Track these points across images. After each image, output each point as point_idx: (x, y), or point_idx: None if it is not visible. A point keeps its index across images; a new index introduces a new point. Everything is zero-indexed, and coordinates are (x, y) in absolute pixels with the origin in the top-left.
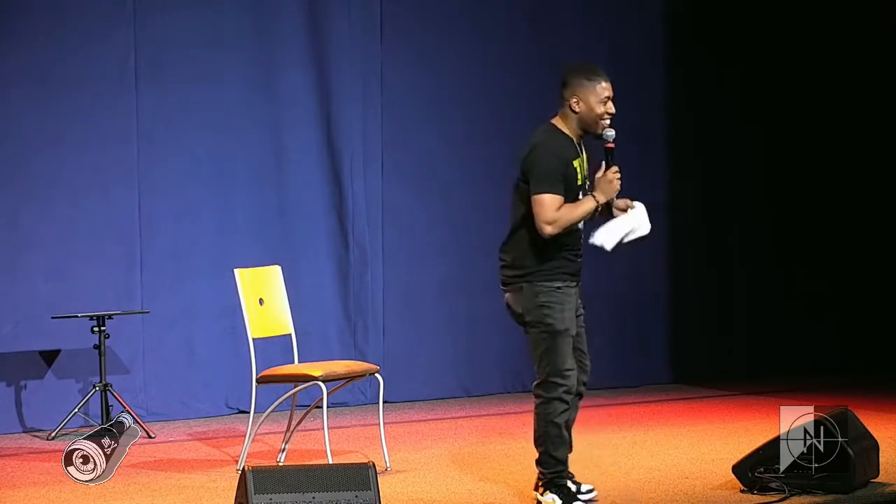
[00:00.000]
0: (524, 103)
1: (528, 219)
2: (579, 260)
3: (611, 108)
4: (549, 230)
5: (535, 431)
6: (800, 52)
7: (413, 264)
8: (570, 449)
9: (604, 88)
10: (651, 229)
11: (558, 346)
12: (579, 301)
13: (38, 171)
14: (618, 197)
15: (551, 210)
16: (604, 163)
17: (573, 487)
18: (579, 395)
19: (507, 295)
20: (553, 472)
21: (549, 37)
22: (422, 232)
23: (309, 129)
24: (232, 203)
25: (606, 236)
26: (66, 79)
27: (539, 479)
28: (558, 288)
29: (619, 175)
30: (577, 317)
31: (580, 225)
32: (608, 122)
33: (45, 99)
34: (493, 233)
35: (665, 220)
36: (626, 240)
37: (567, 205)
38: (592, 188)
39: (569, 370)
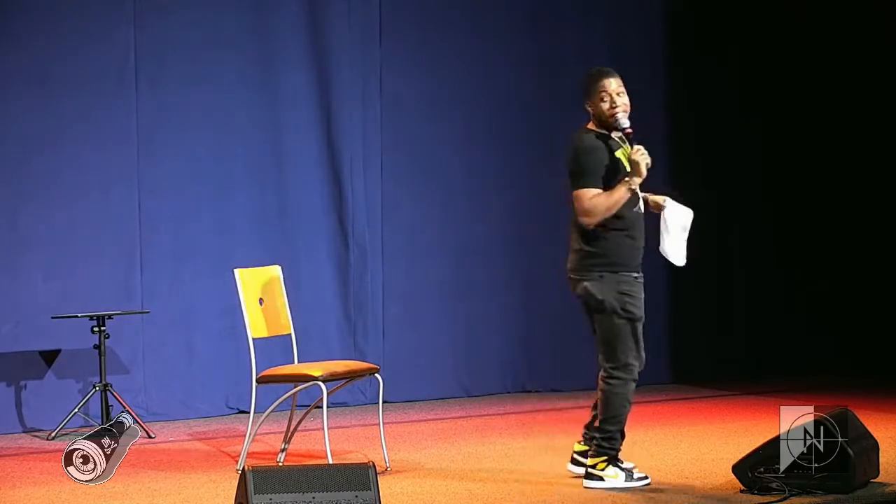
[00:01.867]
0: (524, 103)
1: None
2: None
3: (616, 101)
4: (586, 220)
5: (610, 410)
6: (800, 51)
7: (413, 264)
8: None
9: (603, 86)
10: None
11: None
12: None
13: (38, 171)
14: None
15: (586, 200)
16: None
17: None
18: None
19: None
20: (617, 449)
21: (549, 37)
22: (422, 232)
23: (309, 129)
24: (232, 203)
25: (675, 253)
26: (66, 79)
27: (599, 453)
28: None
29: (642, 151)
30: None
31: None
32: (619, 112)
33: (45, 99)
34: (493, 233)
35: None
36: (684, 239)
37: (602, 193)
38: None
39: None
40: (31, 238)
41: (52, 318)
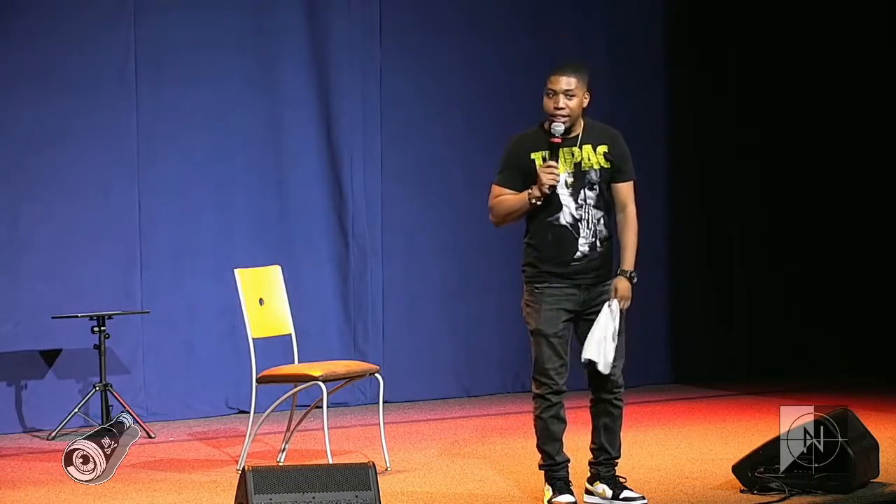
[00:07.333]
0: (524, 103)
1: None
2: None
3: (552, 103)
4: (490, 218)
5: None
6: (801, 51)
7: (413, 264)
8: None
9: (549, 83)
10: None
11: None
12: None
13: (38, 171)
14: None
15: (490, 198)
16: (546, 156)
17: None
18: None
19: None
20: (556, 476)
21: (549, 37)
22: (421, 232)
23: (309, 129)
24: (232, 203)
25: (598, 356)
26: (66, 79)
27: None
28: None
29: (550, 169)
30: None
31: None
32: (559, 117)
33: (45, 99)
34: (493, 233)
35: (665, 220)
36: (608, 348)
37: (505, 196)
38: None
39: None
40: (31, 238)
41: (52, 318)
